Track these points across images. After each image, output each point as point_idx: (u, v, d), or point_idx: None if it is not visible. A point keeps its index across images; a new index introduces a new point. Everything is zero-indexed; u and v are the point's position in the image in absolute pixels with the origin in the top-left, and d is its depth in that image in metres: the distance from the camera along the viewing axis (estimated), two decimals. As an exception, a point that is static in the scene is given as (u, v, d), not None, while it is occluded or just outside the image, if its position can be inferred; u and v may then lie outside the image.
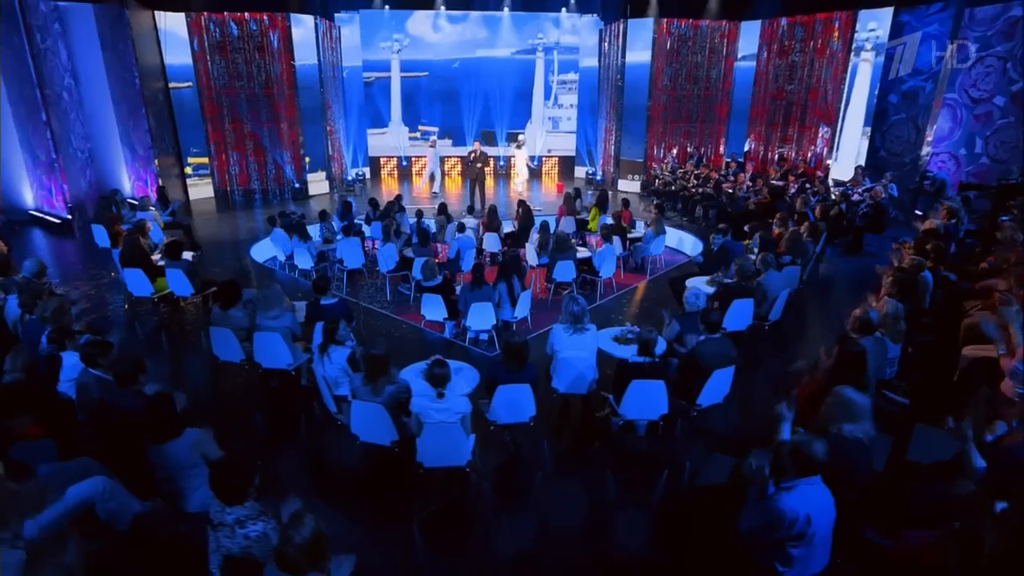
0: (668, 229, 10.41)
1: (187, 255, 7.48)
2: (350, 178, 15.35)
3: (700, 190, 12.09)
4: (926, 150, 11.96)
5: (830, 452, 2.82)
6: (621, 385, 4.44)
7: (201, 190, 13.77)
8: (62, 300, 4.38)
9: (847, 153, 12.93)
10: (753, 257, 7.43)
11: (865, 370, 3.88)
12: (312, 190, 14.30)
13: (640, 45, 14.24)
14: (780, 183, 11.76)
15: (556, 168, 17.83)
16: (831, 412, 3.35)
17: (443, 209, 10.52)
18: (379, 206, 10.71)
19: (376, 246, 9.66)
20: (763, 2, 13.38)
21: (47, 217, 11.26)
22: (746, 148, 14.67)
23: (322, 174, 14.55)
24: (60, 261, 9.62)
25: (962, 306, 5.69)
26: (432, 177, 15.03)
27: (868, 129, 12.39)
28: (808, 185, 11.33)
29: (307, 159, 14.08)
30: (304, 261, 8.92)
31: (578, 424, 5.17)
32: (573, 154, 17.42)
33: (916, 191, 11.55)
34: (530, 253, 9.28)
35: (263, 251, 10.40)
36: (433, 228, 10.19)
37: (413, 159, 17.24)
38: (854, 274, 9.10)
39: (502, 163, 17.36)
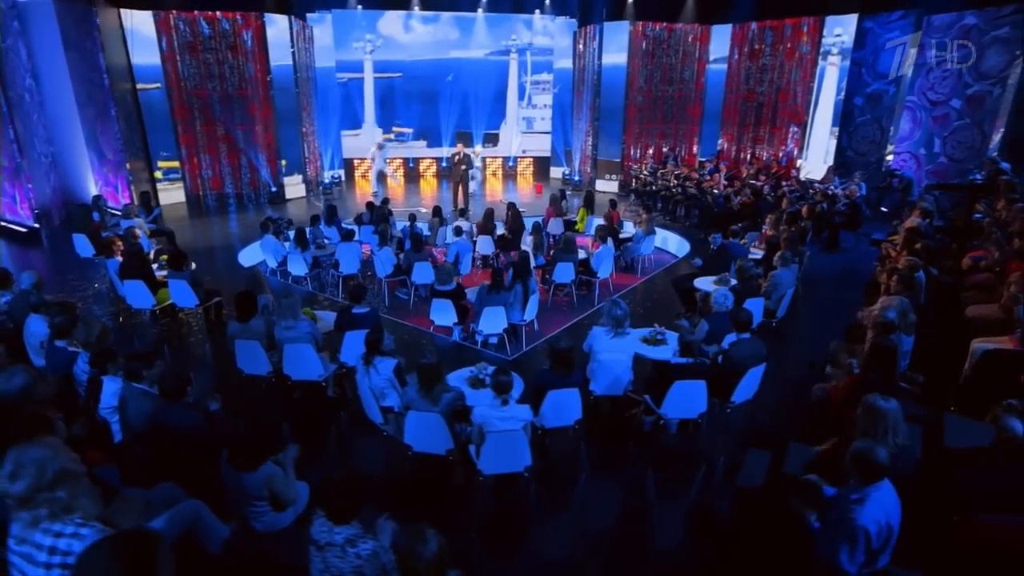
0: (655, 229, 10.64)
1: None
2: (326, 181, 15.06)
3: (682, 190, 12.39)
4: (890, 149, 12.60)
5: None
6: (661, 386, 4.57)
7: (172, 195, 13.27)
8: (104, 324, 4.19)
9: (816, 153, 13.49)
10: (756, 255, 7.72)
11: (896, 367, 4.10)
12: (288, 193, 13.96)
13: (615, 47, 14.49)
14: (754, 182, 12.17)
15: (531, 169, 17.95)
16: (867, 424, 3.31)
17: (437, 212, 10.47)
18: (373, 208, 10.58)
19: (371, 250, 9.56)
20: (735, 7, 13.81)
21: (10, 226, 10.64)
22: (718, 147, 15.09)
23: (298, 177, 14.23)
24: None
25: (955, 300, 6.06)
26: (380, 177, 15.02)
27: (836, 129, 12.98)
28: (784, 183, 11.77)
29: (283, 162, 13.74)
30: (299, 268, 8.74)
31: (609, 425, 5.27)
32: (548, 155, 17.54)
33: (883, 189, 12.16)
34: (526, 255, 9.35)
35: (249, 257, 10.14)
36: (426, 231, 10.15)
37: (387, 160, 17.04)
38: (836, 270, 9.52)
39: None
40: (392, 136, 16.76)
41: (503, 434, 3.72)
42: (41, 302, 4.91)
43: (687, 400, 4.47)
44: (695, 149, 15.48)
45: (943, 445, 3.68)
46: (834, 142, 13.01)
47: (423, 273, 8.40)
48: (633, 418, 5.12)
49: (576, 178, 16.18)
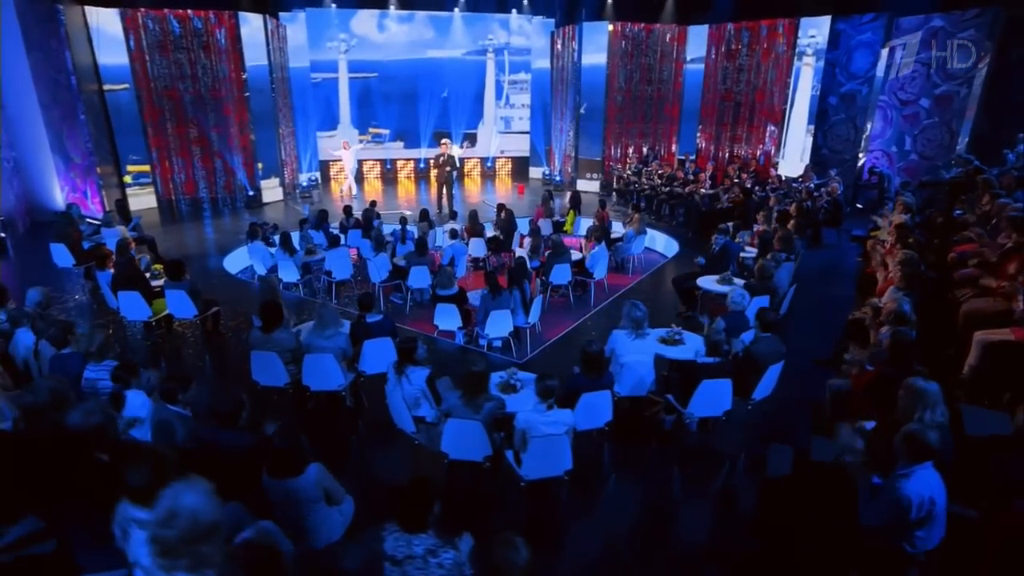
0: (646, 229, 10.83)
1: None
2: (304, 184, 14.83)
3: (667, 189, 12.63)
4: (864, 147, 13.11)
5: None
6: (687, 385, 4.69)
7: (143, 200, 12.84)
8: (108, 333, 4.06)
9: (792, 151, 13.92)
10: (750, 254, 7.94)
11: (915, 360, 4.31)
12: (266, 197, 13.69)
13: (594, 47, 14.67)
14: (737, 180, 12.49)
15: (509, 169, 18.00)
16: (909, 403, 3.56)
17: (425, 215, 10.43)
18: (352, 213, 10.48)
19: (359, 254, 9.48)
20: (711, 8, 14.14)
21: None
22: (697, 146, 15.42)
23: (275, 180, 13.97)
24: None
25: (943, 294, 6.36)
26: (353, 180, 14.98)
27: (812, 127, 13.42)
28: (768, 182, 12.11)
29: (260, 165, 13.46)
30: (290, 274, 8.60)
31: (630, 425, 5.37)
32: (527, 155, 17.63)
33: (858, 186, 12.65)
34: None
35: (235, 263, 9.93)
36: (415, 234, 10.09)
37: (362, 162, 16.88)
38: (821, 267, 9.85)
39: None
40: (369, 137, 16.58)
41: (547, 438, 3.77)
42: (39, 318, 4.73)
43: (714, 398, 4.61)
44: (674, 148, 15.78)
45: (964, 434, 3.90)
46: (811, 140, 13.45)
47: (420, 277, 8.39)
48: (653, 417, 5.24)
49: (557, 178, 16.31)
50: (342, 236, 9.98)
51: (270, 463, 3.07)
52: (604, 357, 4.39)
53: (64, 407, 3.26)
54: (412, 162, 17.28)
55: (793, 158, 13.80)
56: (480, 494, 4.23)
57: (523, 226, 10.78)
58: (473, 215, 10.16)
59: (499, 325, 6.73)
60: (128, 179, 12.69)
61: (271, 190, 13.86)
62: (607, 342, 5.05)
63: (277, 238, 9.73)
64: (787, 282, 6.74)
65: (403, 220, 9.99)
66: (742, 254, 8.11)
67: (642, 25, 14.54)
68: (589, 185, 15.51)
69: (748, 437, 5.21)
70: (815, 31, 13.03)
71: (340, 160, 15.45)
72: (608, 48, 14.50)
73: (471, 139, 17.21)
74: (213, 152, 13.10)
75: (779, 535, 4.11)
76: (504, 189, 16.60)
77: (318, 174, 15.77)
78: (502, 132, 17.54)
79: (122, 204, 9.56)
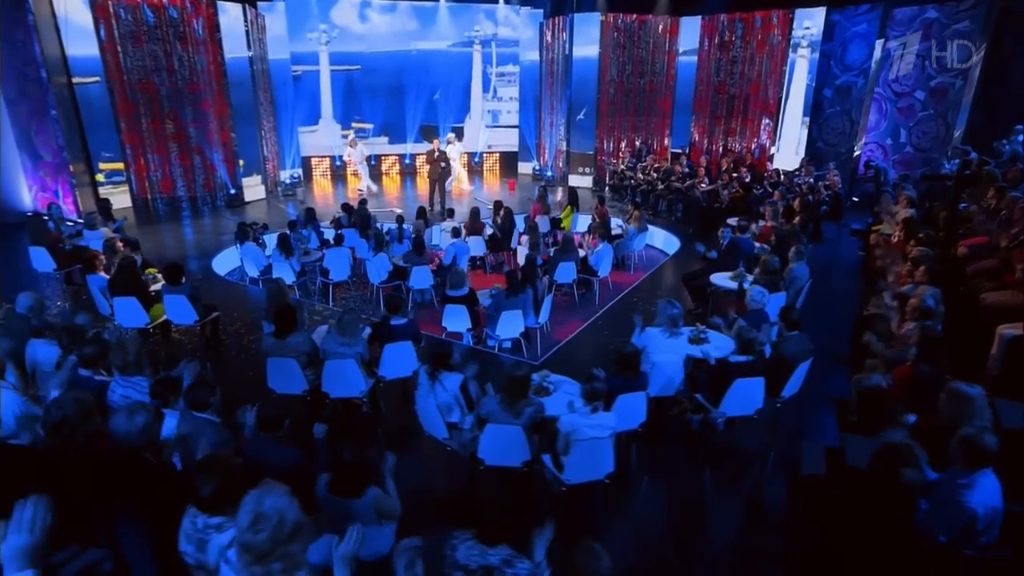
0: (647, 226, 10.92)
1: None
2: (287, 181, 14.64)
3: (664, 184, 12.77)
4: (860, 140, 13.42)
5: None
6: (717, 384, 4.78)
7: (117, 199, 12.39)
8: (140, 344, 3.98)
9: (788, 144, 14.18)
10: (764, 248, 8.07)
11: (946, 352, 4.45)
12: (248, 196, 13.49)
13: (585, 39, 14.74)
14: (735, 175, 12.68)
15: (497, 164, 17.99)
16: (954, 409, 3.57)
17: (421, 213, 10.39)
18: (352, 211, 10.39)
19: (355, 254, 9.41)
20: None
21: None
22: (690, 140, 15.58)
23: (257, 178, 13.77)
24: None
25: (959, 287, 6.56)
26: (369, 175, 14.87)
27: (807, 120, 13.68)
28: (765, 175, 12.32)
29: (241, 162, 13.25)
30: (285, 276, 8.48)
31: (656, 425, 5.44)
32: (515, 149, 17.61)
33: (854, 180, 12.94)
34: (522, 254, 9.43)
35: (223, 265, 9.80)
36: (408, 232, 10.05)
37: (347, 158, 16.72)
38: (823, 261, 10.04)
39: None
40: (352, 132, 16.42)
41: (592, 442, 3.81)
42: (46, 326, 4.62)
43: (746, 397, 4.70)
44: (666, 142, 15.93)
45: (1000, 427, 4.04)
46: (806, 133, 13.71)
47: (422, 277, 8.37)
48: (679, 417, 5.32)
49: (549, 173, 16.35)
50: (343, 235, 9.90)
51: (334, 477, 3.05)
52: (639, 358, 4.43)
53: (90, 420, 3.20)
54: (398, 158, 17.16)
55: (788, 151, 14.06)
56: (520, 500, 4.25)
57: (519, 223, 10.81)
58: (474, 213, 10.16)
59: (511, 326, 6.75)
60: (100, 177, 12.37)
61: (253, 188, 13.66)
62: (638, 340, 5.11)
63: (267, 238, 9.67)
64: (806, 277, 6.87)
65: (400, 219, 9.94)
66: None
67: (634, 16, 14.64)
68: (581, 180, 15.57)
69: (772, 435, 5.32)
70: (810, 22, 13.29)
71: (335, 157, 15.33)
72: (600, 40, 14.57)
73: (458, 133, 17.16)
74: (191, 148, 12.84)
75: (817, 533, 4.22)
76: (493, 185, 16.60)
77: (300, 171, 15.57)
78: (490, 126, 17.51)
79: (105, 204, 9.32)
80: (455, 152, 14.52)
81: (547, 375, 4.56)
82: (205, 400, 3.56)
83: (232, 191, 13.11)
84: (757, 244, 8.45)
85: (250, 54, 12.95)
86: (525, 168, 17.38)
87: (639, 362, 4.44)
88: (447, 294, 6.95)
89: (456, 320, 6.92)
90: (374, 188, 14.81)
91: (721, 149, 14.95)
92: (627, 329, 7.43)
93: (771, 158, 14.13)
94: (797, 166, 12.87)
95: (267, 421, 3.30)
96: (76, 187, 11.11)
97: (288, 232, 8.82)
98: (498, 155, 17.87)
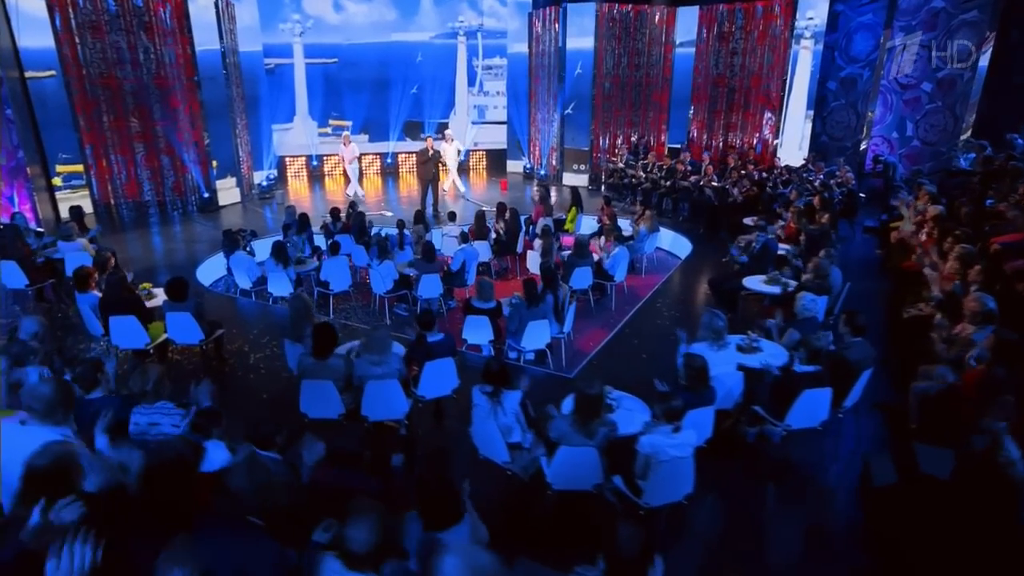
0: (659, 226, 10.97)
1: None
2: (263, 183, 14.33)
3: (669, 183, 12.87)
4: (866, 134, 13.75)
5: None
6: (781, 395, 4.80)
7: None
8: (161, 369, 3.80)
9: (791, 138, 14.44)
10: (789, 250, 8.18)
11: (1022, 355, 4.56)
12: (222, 199, 13.15)
13: (579, 30, 14.77)
14: (743, 171, 12.85)
15: (483, 163, 17.91)
16: None
17: (419, 217, 10.27)
18: (340, 216, 10.22)
19: (352, 262, 9.26)
20: (703, -12, 14.51)
21: None
22: (688, 135, 15.76)
23: (232, 180, 13.43)
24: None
25: (994, 285, 6.74)
26: (359, 179, 14.57)
27: (811, 113, 13.96)
28: (775, 172, 12.51)
29: (215, 163, 12.91)
30: (282, 288, 8.29)
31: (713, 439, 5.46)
32: (504, 147, 17.55)
33: (862, 175, 13.25)
34: (532, 259, 9.40)
35: (207, 275, 9.54)
36: (409, 238, 9.94)
37: (325, 158, 16.45)
38: (840, 260, 10.25)
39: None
40: (329, 130, 16.18)
41: (673, 462, 3.78)
42: (55, 353, 4.41)
43: (813, 409, 4.73)
44: (663, 137, 16.07)
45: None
46: (810, 127, 13.99)
47: (432, 286, 8.26)
48: (734, 430, 5.33)
49: (541, 172, 16.34)
50: (335, 243, 9.72)
51: (424, 508, 2.96)
52: (708, 369, 4.43)
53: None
54: (378, 157, 16.95)
55: (791, 146, 14.32)
56: (592, 523, 4.21)
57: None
58: (480, 216, 10.10)
59: (537, 336, 6.71)
60: (58, 181, 11.94)
61: (228, 191, 13.33)
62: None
63: (255, 245, 9.45)
64: (841, 279, 6.99)
65: (401, 224, 9.82)
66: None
67: (630, 6, 14.72)
68: (577, 178, 15.59)
69: (833, 447, 5.38)
70: (813, 13, 13.58)
71: (311, 157, 15.05)
72: (595, 31, 14.61)
73: (442, 131, 17.05)
74: (159, 149, 12.46)
75: (895, 547, 4.28)
76: (481, 184, 16.53)
77: (276, 172, 15.26)
78: (476, 122, 17.43)
79: (78, 212, 8.94)
80: (452, 151, 14.40)
81: (609, 391, 4.52)
82: (271, 439, 3.42)
83: (205, 195, 12.76)
84: (782, 246, 8.57)
85: (222, 46, 12.63)
86: (515, 166, 17.34)
87: (708, 375, 4.43)
88: (473, 305, 6.86)
89: (478, 332, 6.84)
90: (360, 193, 14.57)
91: (721, 144, 15.14)
92: (657, 337, 7.51)
93: (775, 153, 14.35)
94: (803, 161, 13.10)
95: (344, 455, 3.19)
96: (35, 191, 10.66)
97: (283, 240, 8.61)
98: (483, 153, 17.79)
